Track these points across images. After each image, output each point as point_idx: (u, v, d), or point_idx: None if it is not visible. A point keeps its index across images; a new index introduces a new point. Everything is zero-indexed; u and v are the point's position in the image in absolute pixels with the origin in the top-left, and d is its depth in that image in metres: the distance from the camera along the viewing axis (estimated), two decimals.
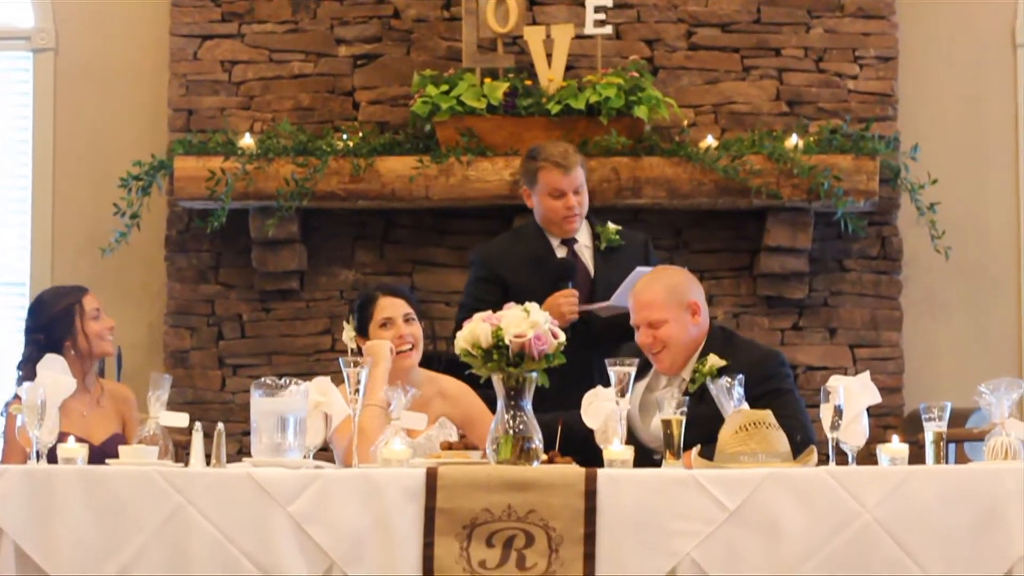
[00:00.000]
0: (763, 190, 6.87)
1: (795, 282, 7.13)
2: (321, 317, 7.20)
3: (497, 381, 4.39)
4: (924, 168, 7.11)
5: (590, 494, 4.20)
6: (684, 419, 4.43)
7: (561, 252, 5.94)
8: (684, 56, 7.29)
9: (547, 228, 5.97)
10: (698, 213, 7.13)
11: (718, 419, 4.52)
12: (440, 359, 6.32)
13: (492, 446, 4.37)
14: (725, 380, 4.60)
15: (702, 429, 4.55)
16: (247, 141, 7.00)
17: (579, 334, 5.61)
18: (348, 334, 5.35)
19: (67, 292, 5.54)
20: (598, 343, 5.50)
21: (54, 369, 4.62)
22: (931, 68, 7.42)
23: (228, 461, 4.44)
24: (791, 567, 4.16)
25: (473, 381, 4.85)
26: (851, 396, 4.43)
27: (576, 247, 5.96)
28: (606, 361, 4.58)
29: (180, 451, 5.02)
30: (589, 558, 4.17)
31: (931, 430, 4.49)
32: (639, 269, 5.66)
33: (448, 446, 4.62)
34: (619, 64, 7.10)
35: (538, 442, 4.38)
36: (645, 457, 4.85)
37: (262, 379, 4.42)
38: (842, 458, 4.42)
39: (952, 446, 6.09)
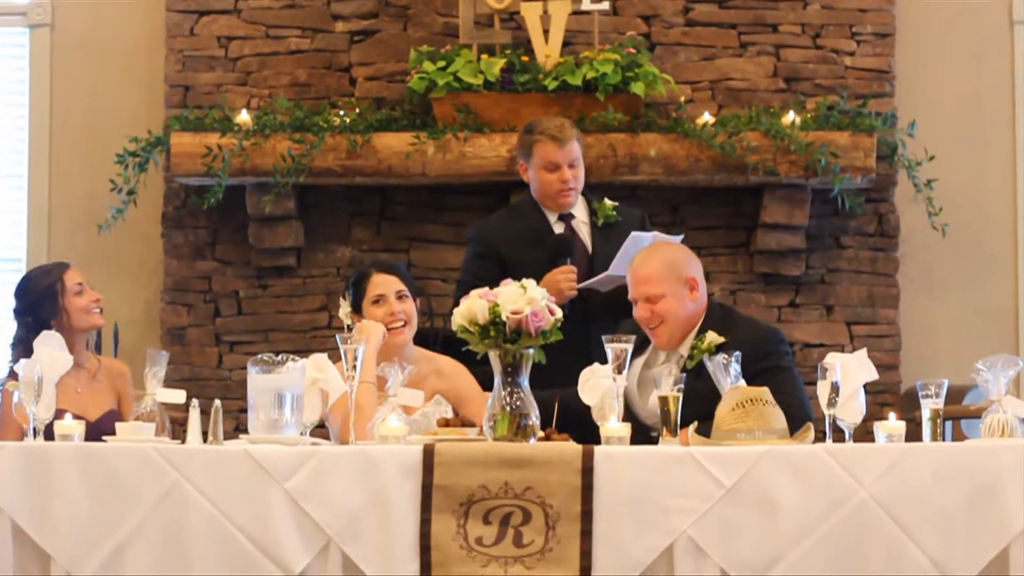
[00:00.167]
0: (760, 167, 6.86)
1: (792, 259, 7.12)
2: (318, 294, 7.20)
3: (494, 358, 4.39)
4: (921, 145, 7.10)
5: (587, 471, 4.20)
6: (681, 396, 4.42)
7: (559, 228, 5.94)
8: (681, 32, 7.28)
9: (543, 203, 5.97)
10: (695, 190, 7.12)
11: (715, 396, 4.52)
12: (437, 336, 6.33)
13: (489, 423, 4.37)
14: (722, 357, 4.59)
15: (700, 406, 4.55)
16: (244, 117, 6.99)
17: (577, 310, 5.62)
18: (344, 311, 5.36)
19: (48, 271, 5.52)
20: (597, 319, 5.50)
21: (50, 345, 4.61)
22: (928, 45, 7.41)
23: (225, 438, 4.44)
24: (788, 544, 4.17)
25: (470, 358, 4.85)
26: (848, 373, 4.43)
27: (573, 223, 5.96)
28: (603, 338, 4.57)
29: (177, 428, 5.03)
30: (586, 535, 4.18)
31: (928, 407, 4.49)
32: (635, 234, 5.67)
33: (445, 423, 4.62)
34: (616, 40, 7.08)
35: (535, 419, 4.39)
36: (643, 434, 4.85)
37: (259, 356, 4.42)
38: (839, 435, 4.42)
39: (949, 423, 6.09)
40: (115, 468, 4.23)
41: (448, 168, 6.94)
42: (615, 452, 4.26)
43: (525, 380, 4.39)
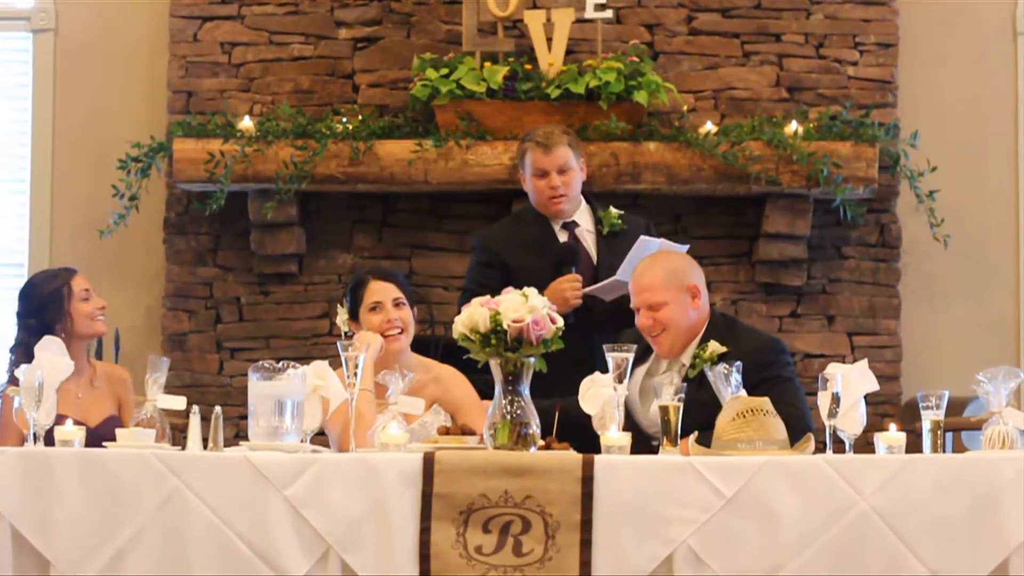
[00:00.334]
0: (762, 176, 6.86)
1: (794, 269, 7.12)
2: (319, 301, 7.20)
3: (495, 366, 4.39)
4: (923, 155, 7.10)
5: (587, 480, 4.20)
6: (682, 405, 4.42)
7: (563, 236, 5.93)
8: (684, 41, 7.28)
9: (540, 211, 5.97)
10: (697, 199, 7.12)
11: (716, 405, 4.52)
12: (438, 344, 6.33)
13: (490, 431, 4.37)
14: (723, 366, 4.59)
15: (701, 415, 4.55)
16: (246, 123, 6.99)
17: (581, 319, 5.61)
18: (342, 318, 5.36)
19: (55, 275, 5.51)
20: (599, 329, 5.49)
21: (51, 351, 4.61)
22: (931, 55, 7.41)
23: (225, 444, 4.44)
24: (787, 554, 4.16)
25: (471, 366, 4.85)
26: (849, 384, 4.42)
27: (578, 231, 5.95)
28: (604, 347, 4.57)
29: (177, 434, 5.03)
30: (586, 544, 4.17)
31: (929, 418, 4.49)
32: (644, 238, 5.67)
33: (446, 431, 4.62)
34: (619, 49, 7.09)
35: (535, 427, 4.38)
36: (644, 443, 4.85)
37: (260, 362, 4.42)
38: (839, 446, 4.41)
39: (949, 435, 6.08)
40: (115, 474, 4.23)
41: (450, 176, 6.94)
42: (615, 461, 4.26)
43: (526, 389, 4.38)
